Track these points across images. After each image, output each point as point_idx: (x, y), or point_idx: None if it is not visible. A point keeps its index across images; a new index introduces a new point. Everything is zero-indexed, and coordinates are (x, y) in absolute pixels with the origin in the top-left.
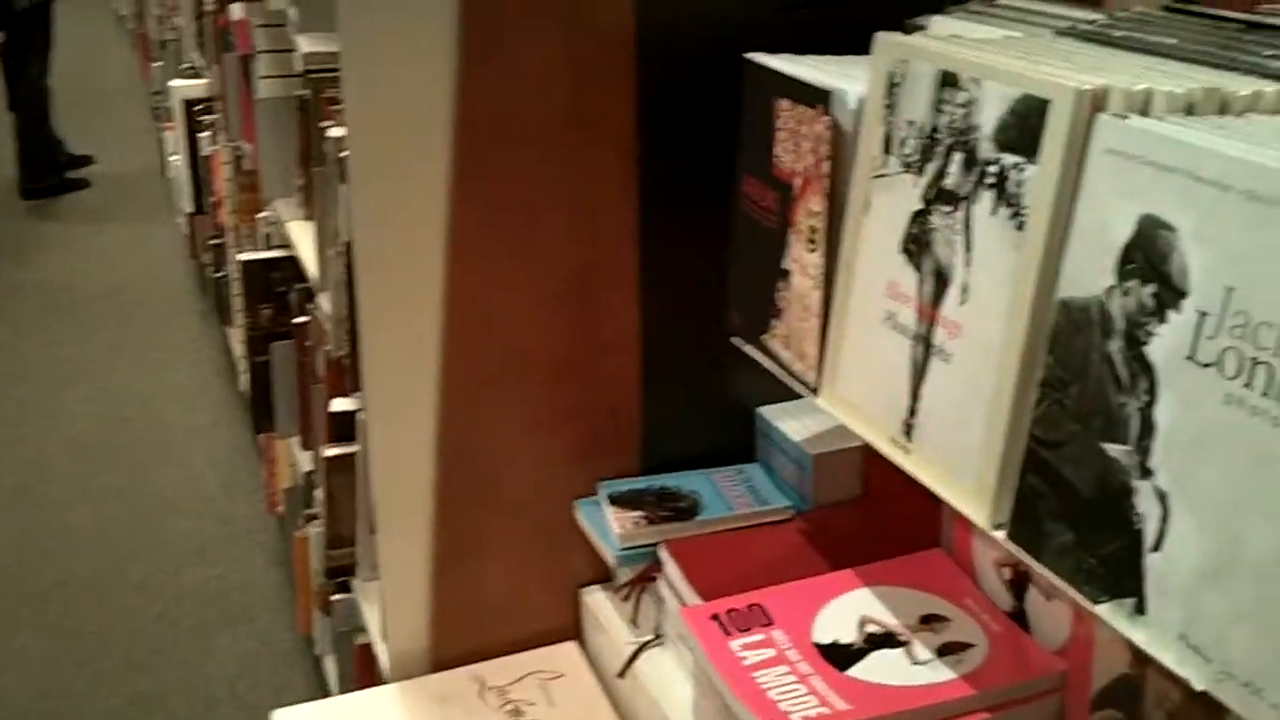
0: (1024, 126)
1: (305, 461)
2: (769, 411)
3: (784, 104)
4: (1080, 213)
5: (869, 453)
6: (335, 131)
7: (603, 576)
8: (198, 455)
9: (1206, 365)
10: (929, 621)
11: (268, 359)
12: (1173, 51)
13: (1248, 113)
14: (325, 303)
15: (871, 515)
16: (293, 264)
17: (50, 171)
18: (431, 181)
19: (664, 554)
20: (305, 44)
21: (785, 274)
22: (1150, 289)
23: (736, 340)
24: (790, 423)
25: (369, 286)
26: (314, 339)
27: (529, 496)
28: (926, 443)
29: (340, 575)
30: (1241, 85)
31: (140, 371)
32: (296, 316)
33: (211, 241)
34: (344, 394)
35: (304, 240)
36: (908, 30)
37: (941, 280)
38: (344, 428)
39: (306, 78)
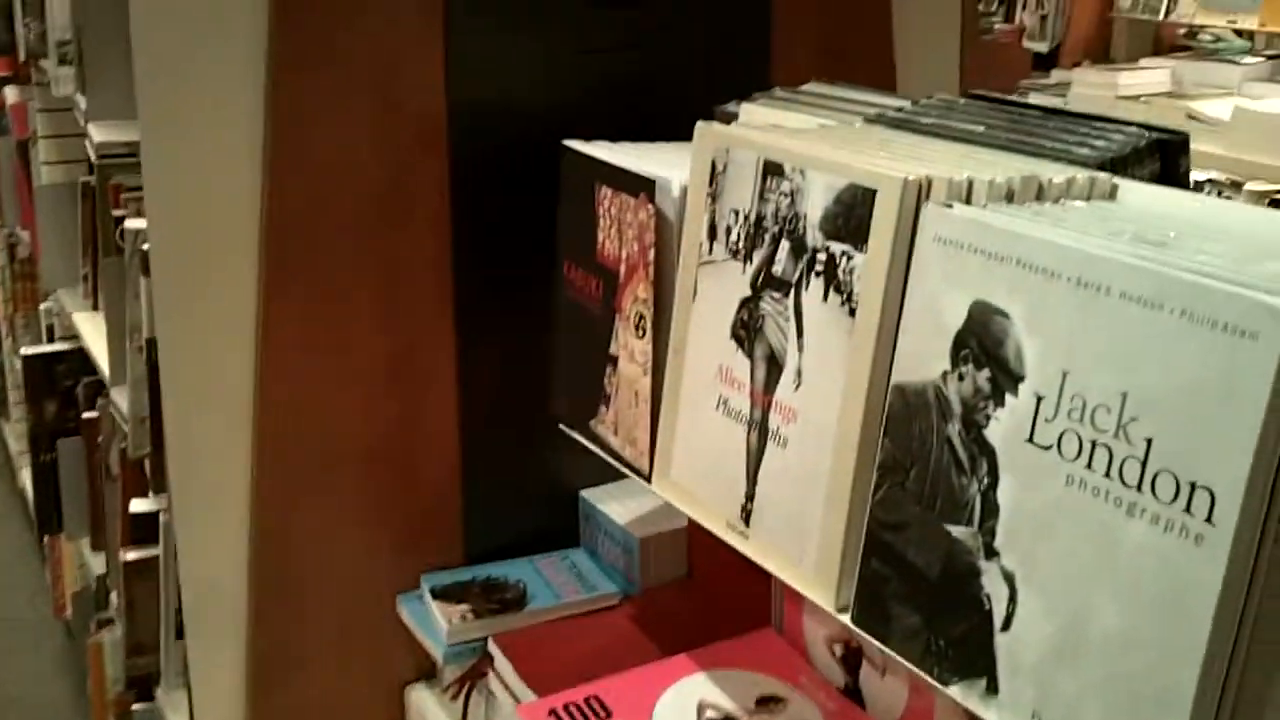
0: (851, 215)
1: (96, 563)
2: (592, 494)
3: (606, 191)
4: (911, 299)
5: (694, 532)
6: (133, 223)
7: (429, 673)
8: None
9: (1046, 447)
10: (766, 703)
11: (54, 456)
12: (982, 139)
13: (1062, 199)
14: (121, 399)
15: (700, 596)
16: (79, 356)
17: None
18: (239, 274)
19: (493, 648)
20: (98, 133)
21: (613, 360)
22: (986, 373)
23: (563, 426)
24: (614, 505)
25: (174, 384)
26: (106, 435)
27: (349, 593)
28: (766, 527)
29: (141, 684)
30: (1054, 172)
31: None
32: (85, 412)
33: None
34: (143, 494)
35: (92, 332)
36: (720, 118)
37: (774, 366)
38: (144, 529)
39: (96, 165)
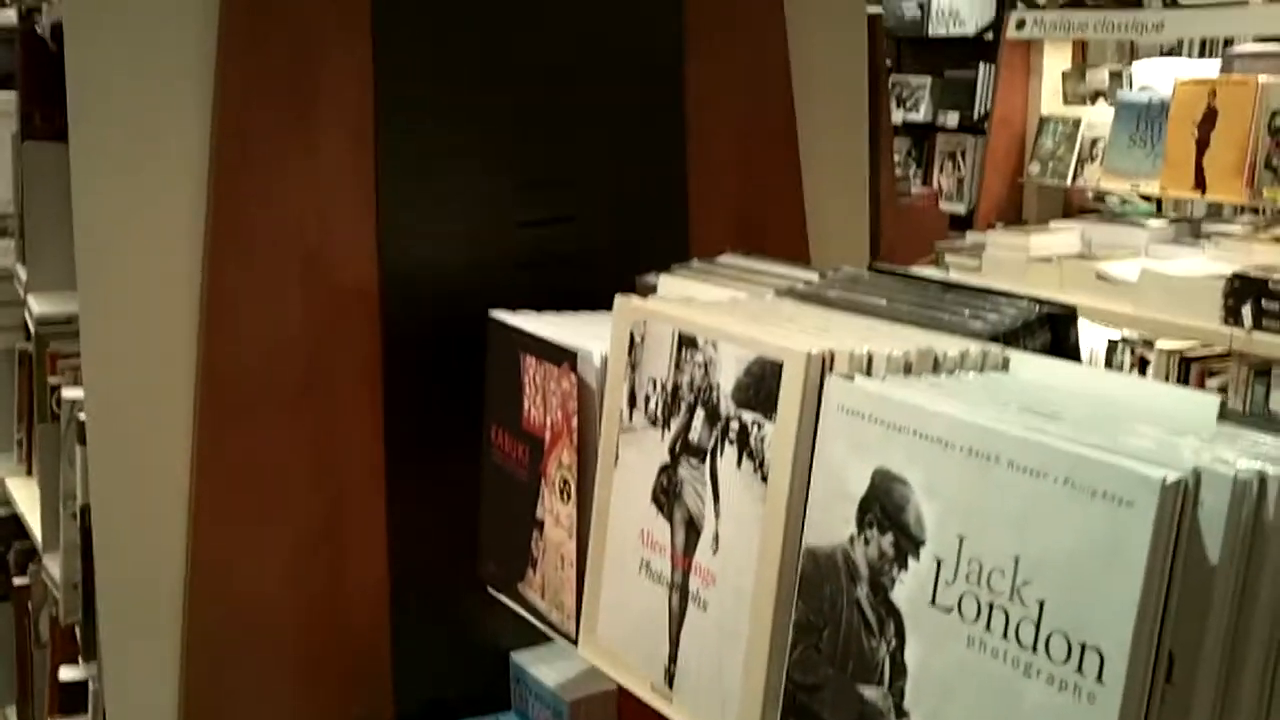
0: (760, 386)
1: None
2: (523, 657)
3: (530, 361)
4: (819, 466)
5: (624, 694)
6: (70, 391)
7: None
8: None
9: (948, 610)
10: None
11: None
12: (884, 312)
13: (957, 370)
14: (53, 565)
15: None
16: (12, 522)
17: None
18: (174, 444)
19: None
20: (37, 304)
21: (539, 524)
22: (889, 538)
23: (491, 589)
24: (544, 668)
25: (107, 551)
26: (36, 602)
27: None
28: (689, 688)
29: None
30: (949, 345)
31: None
32: (16, 578)
33: None
34: (73, 661)
35: (25, 498)
36: (640, 289)
37: (693, 529)
38: (73, 698)
39: (34, 334)
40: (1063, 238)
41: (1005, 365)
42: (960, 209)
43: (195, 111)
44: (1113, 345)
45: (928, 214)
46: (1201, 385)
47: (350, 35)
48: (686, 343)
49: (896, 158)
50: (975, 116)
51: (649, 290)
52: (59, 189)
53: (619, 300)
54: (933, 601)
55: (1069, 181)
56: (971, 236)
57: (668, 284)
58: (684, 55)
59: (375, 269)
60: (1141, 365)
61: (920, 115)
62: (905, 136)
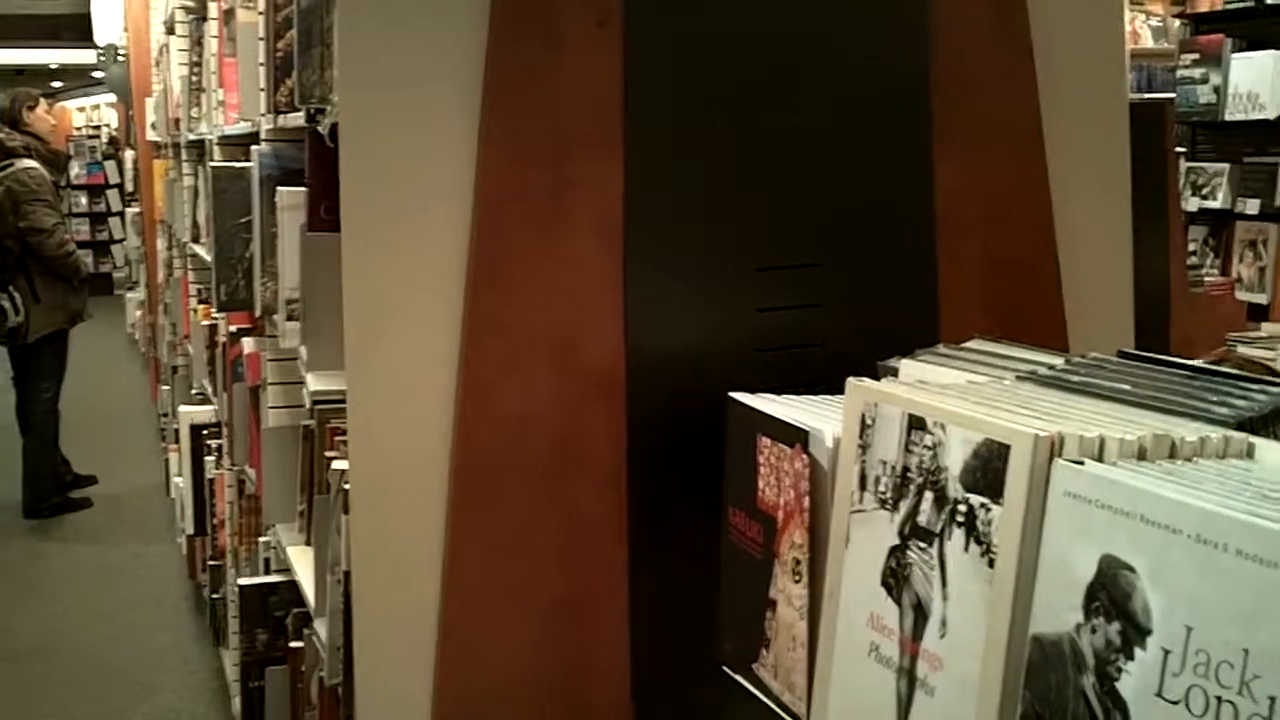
0: (988, 469)
1: None
2: None
3: (765, 441)
4: (1046, 551)
5: None
6: (339, 463)
7: None
8: None
9: (1175, 702)
10: None
11: (262, 684)
12: (1125, 397)
13: (1195, 457)
14: (322, 629)
15: None
16: (291, 589)
17: (54, 491)
18: (429, 515)
19: None
20: (314, 381)
21: (772, 604)
22: (1116, 626)
23: (727, 669)
24: None
25: (365, 615)
26: (309, 665)
27: None
28: None
29: None
30: (1189, 431)
31: (126, 699)
32: (293, 641)
33: (210, 563)
34: None
35: (303, 565)
36: (879, 373)
37: (921, 613)
38: None
39: (313, 410)
40: None
41: (1250, 453)
42: (1261, 299)
43: (457, 208)
44: None
45: (1223, 304)
46: None
47: (603, 136)
48: (915, 424)
49: (1192, 247)
50: (1277, 203)
51: (890, 374)
52: (337, 276)
53: (851, 382)
54: (1159, 693)
55: None
56: (1267, 328)
57: (909, 368)
58: (933, 146)
59: (621, 354)
60: None
61: (1218, 202)
62: (1202, 225)
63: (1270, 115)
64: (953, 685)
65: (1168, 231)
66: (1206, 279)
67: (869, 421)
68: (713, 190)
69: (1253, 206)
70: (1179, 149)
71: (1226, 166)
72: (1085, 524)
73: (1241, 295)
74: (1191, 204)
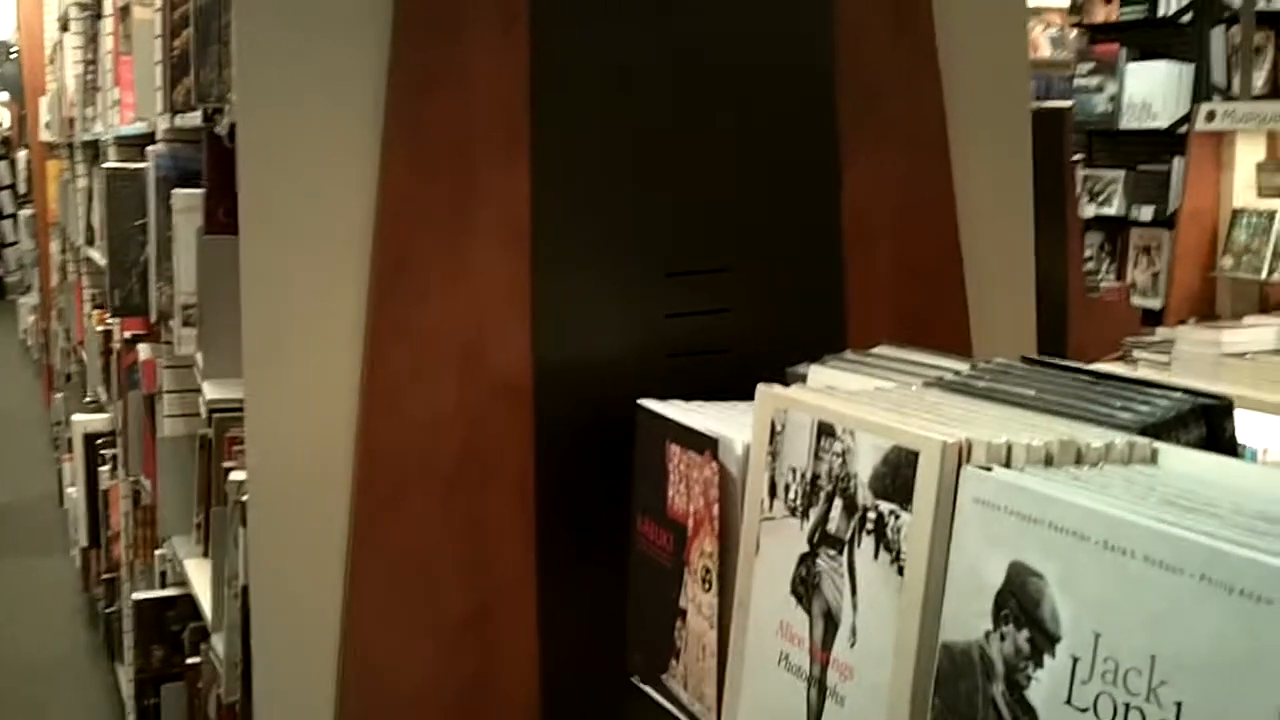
0: (897, 476)
1: None
2: None
3: (674, 449)
4: (955, 558)
5: None
6: (237, 474)
7: None
8: None
9: (1083, 710)
10: None
11: (157, 702)
12: (1031, 403)
13: (1101, 463)
14: (220, 645)
15: None
16: (188, 603)
17: None
18: (330, 526)
19: None
20: (211, 389)
21: (682, 613)
22: (1025, 634)
23: (637, 681)
24: None
25: (263, 630)
26: (206, 682)
27: None
28: None
29: None
30: (1094, 436)
31: (16, 717)
32: (190, 657)
33: (105, 576)
34: None
35: (200, 579)
36: (788, 380)
37: (831, 622)
38: None
39: (211, 419)
40: (1258, 333)
41: (1154, 458)
42: (1155, 304)
43: (361, 211)
44: None
45: (1119, 309)
46: None
47: (509, 140)
48: (825, 431)
49: (1089, 253)
50: (1169, 210)
51: (798, 380)
52: (236, 281)
53: (761, 389)
54: (1068, 701)
55: (1264, 275)
56: (1162, 332)
57: (817, 374)
58: (840, 152)
59: (529, 361)
60: None
61: (1113, 209)
62: (1098, 231)
63: (1163, 124)
64: (863, 694)
65: (1066, 238)
66: (1103, 285)
67: (779, 428)
68: (620, 196)
69: (1146, 213)
70: (1076, 156)
71: (1122, 173)
72: (994, 531)
73: (1136, 300)
74: (1088, 210)
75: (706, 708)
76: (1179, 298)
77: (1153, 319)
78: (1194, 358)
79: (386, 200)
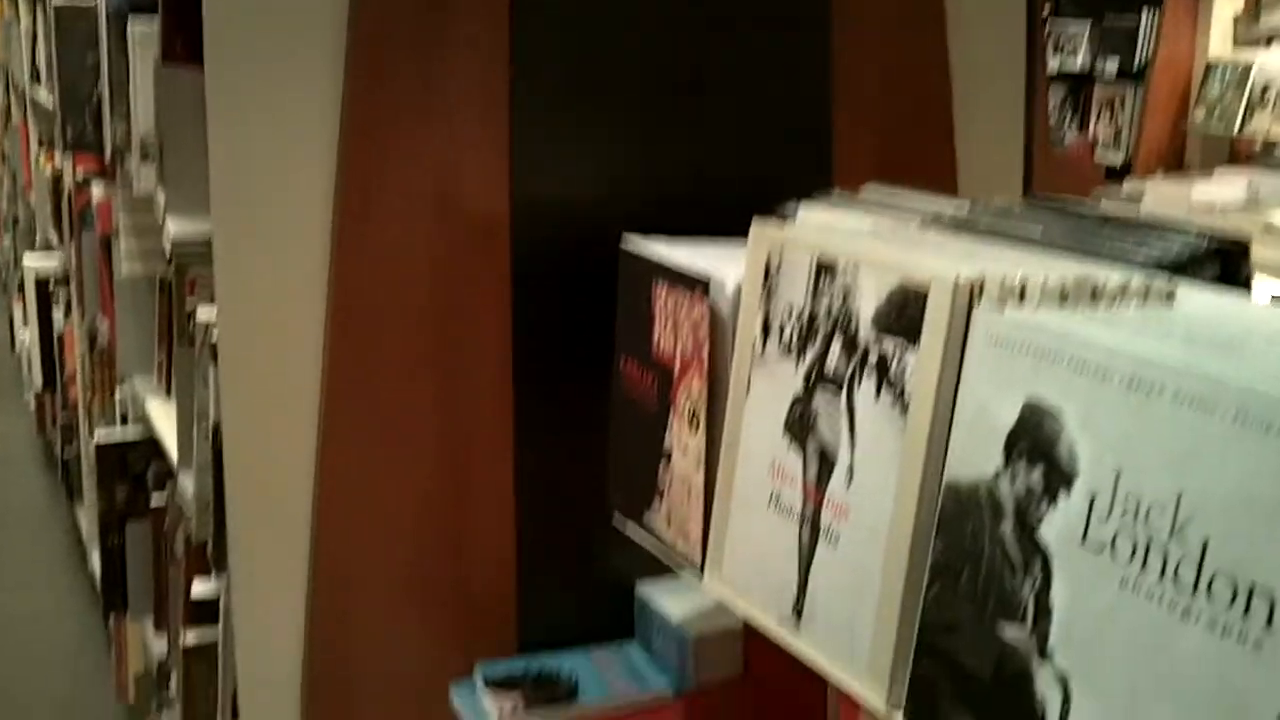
0: (903, 314)
1: (159, 645)
2: (648, 588)
3: (662, 289)
4: (964, 397)
5: (751, 631)
6: (205, 313)
7: None
8: (40, 641)
9: (1100, 549)
10: None
11: (122, 540)
12: (1038, 242)
13: (1118, 301)
14: (188, 484)
15: (753, 696)
16: (150, 444)
17: None
18: (303, 362)
19: None
20: (174, 225)
21: (667, 455)
22: (1038, 472)
23: (617, 519)
24: (669, 601)
25: (237, 469)
26: (172, 520)
27: (403, 682)
28: (817, 625)
29: None
30: (1110, 275)
31: None
32: (153, 496)
33: (62, 418)
34: (205, 576)
35: (163, 419)
36: (777, 218)
37: (826, 462)
38: (204, 612)
39: (171, 257)
40: (1228, 187)
41: (1170, 298)
42: (1116, 160)
43: (330, 38)
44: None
45: (1081, 165)
46: None
47: None
48: (825, 269)
49: (1050, 106)
50: (1135, 64)
51: (785, 219)
52: (197, 113)
53: (756, 225)
54: (1084, 540)
55: (1236, 130)
56: (1130, 185)
57: (807, 214)
58: None
59: (506, 197)
60: None
61: (1077, 63)
62: (1060, 84)
63: None
64: (860, 534)
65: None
66: (1066, 140)
67: (774, 267)
68: (603, 26)
69: (1112, 67)
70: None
71: (1087, 25)
72: (1008, 370)
73: (1098, 155)
74: (1052, 63)
75: (692, 547)
76: (1147, 152)
77: (1115, 175)
78: (1163, 211)
79: (360, 23)
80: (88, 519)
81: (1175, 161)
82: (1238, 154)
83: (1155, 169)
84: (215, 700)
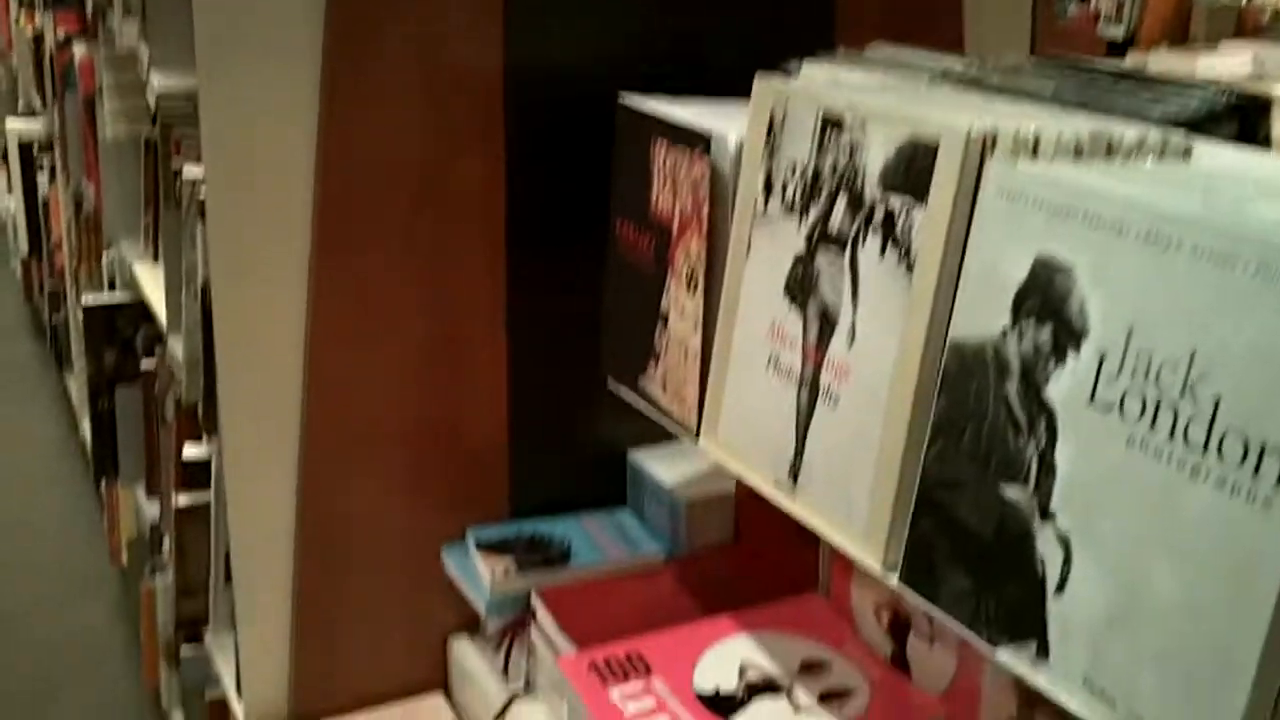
0: (911, 169)
1: (151, 509)
2: (640, 455)
3: (661, 147)
4: (972, 254)
5: (743, 496)
6: (191, 171)
7: (471, 624)
8: (33, 507)
9: (1108, 408)
10: (809, 668)
11: (112, 405)
12: (1051, 98)
13: (1134, 156)
14: (177, 347)
15: (745, 560)
16: (138, 308)
17: None
18: (292, 220)
19: (536, 601)
20: (159, 80)
21: (663, 317)
22: (1047, 330)
23: (611, 383)
24: (662, 466)
25: (226, 329)
26: (162, 384)
27: (394, 544)
28: (814, 486)
29: (190, 627)
30: (1125, 130)
31: None
32: (142, 360)
33: (49, 285)
34: (196, 439)
35: (151, 283)
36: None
37: (827, 322)
38: (197, 475)
39: (157, 115)
40: (1233, 60)
41: (1188, 154)
42: (1118, 34)
43: None
44: None
45: (1082, 38)
46: None
47: None
48: (831, 123)
49: None
50: None
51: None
52: None
53: (759, 79)
54: (1091, 399)
55: (1244, 0)
56: (1133, 58)
57: (810, 71)
58: None
59: (500, 58)
60: None
61: None
62: None
63: None
64: (860, 395)
65: None
66: (1069, 12)
67: (778, 122)
68: None
69: None
70: None
71: None
72: (1019, 225)
73: (1100, 28)
74: None
75: (687, 410)
76: (1151, 25)
77: (1117, 50)
78: None
79: None
80: (77, 385)
81: (1180, 35)
82: (1245, 26)
83: (1159, 43)
84: (208, 563)
